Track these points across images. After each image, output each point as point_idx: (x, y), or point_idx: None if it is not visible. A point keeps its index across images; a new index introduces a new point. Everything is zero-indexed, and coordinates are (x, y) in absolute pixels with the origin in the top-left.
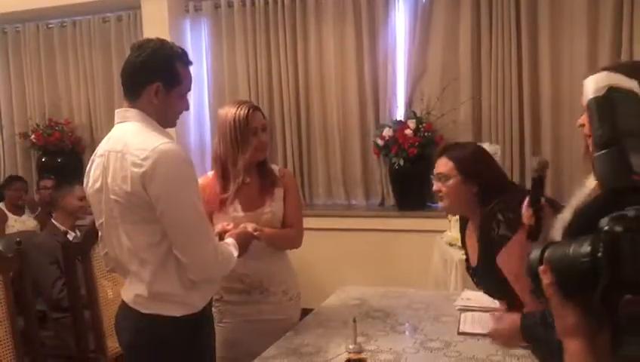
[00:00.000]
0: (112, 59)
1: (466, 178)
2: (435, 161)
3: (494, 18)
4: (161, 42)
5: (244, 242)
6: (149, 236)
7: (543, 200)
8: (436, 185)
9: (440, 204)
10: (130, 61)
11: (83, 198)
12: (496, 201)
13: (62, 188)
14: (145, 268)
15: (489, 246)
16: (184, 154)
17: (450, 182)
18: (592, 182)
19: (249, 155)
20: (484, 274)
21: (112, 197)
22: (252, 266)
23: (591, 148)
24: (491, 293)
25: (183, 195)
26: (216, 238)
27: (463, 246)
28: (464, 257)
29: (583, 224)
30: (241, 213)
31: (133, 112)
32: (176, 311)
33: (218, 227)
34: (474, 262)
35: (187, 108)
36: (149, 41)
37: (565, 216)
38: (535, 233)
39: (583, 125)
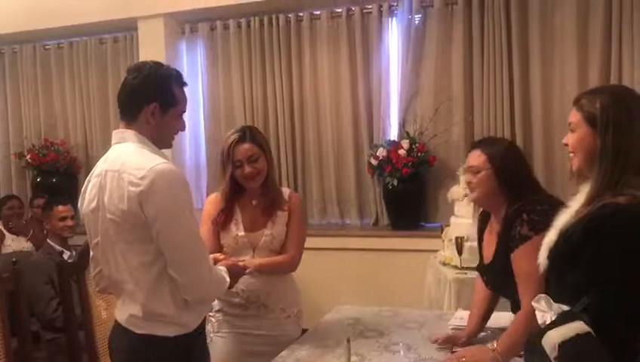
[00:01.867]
0: (108, 81)
1: (497, 172)
2: (468, 153)
3: (486, 39)
4: (157, 64)
5: (234, 274)
6: (143, 256)
7: None
8: (467, 177)
9: (469, 196)
10: (127, 83)
11: (65, 218)
12: (524, 202)
13: (45, 212)
14: (139, 287)
15: (509, 241)
16: (180, 174)
17: (481, 174)
18: (575, 203)
19: (227, 187)
20: (497, 270)
21: (109, 216)
22: (250, 282)
23: (574, 168)
24: (499, 291)
25: (180, 214)
26: (211, 260)
27: (479, 243)
28: (458, 276)
29: (567, 246)
30: (242, 233)
31: (130, 133)
32: (170, 332)
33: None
34: (488, 258)
35: (183, 129)
36: (144, 63)
37: (551, 237)
38: None
39: (567, 145)
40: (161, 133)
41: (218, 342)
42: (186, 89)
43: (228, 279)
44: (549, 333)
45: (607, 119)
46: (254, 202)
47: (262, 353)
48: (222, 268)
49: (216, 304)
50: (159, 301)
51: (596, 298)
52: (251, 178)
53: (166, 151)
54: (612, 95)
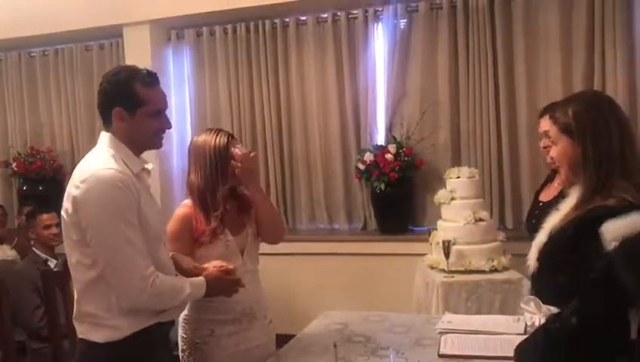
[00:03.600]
0: (94, 88)
1: None
2: (539, 119)
3: (471, 43)
4: (121, 68)
5: (221, 287)
6: (81, 256)
7: None
8: (544, 142)
9: (547, 158)
10: (98, 90)
11: (50, 226)
12: None
13: (29, 221)
14: (76, 287)
15: None
16: (121, 181)
17: None
18: (566, 206)
19: (229, 185)
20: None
21: (62, 213)
22: (242, 293)
23: (563, 179)
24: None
25: (109, 223)
26: (152, 268)
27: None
28: (446, 279)
29: (556, 247)
30: (231, 238)
31: (104, 136)
32: (99, 337)
33: (190, 265)
34: (547, 198)
35: (168, 127)
36: (114, 69)
37: (541, 239)
38: None
39: (552, 158)
40: (137, 135)
41: None
42: (159, 87)
43: (190, 291)
44: (613, 221)
45: (583, 126)
46: (228, 206)
47: None
48: (193, 279)
49: (205, 329)
50: (90, 300)
51: (586, 299)
52: None
53: (152, 156)
54: (583, 102)
